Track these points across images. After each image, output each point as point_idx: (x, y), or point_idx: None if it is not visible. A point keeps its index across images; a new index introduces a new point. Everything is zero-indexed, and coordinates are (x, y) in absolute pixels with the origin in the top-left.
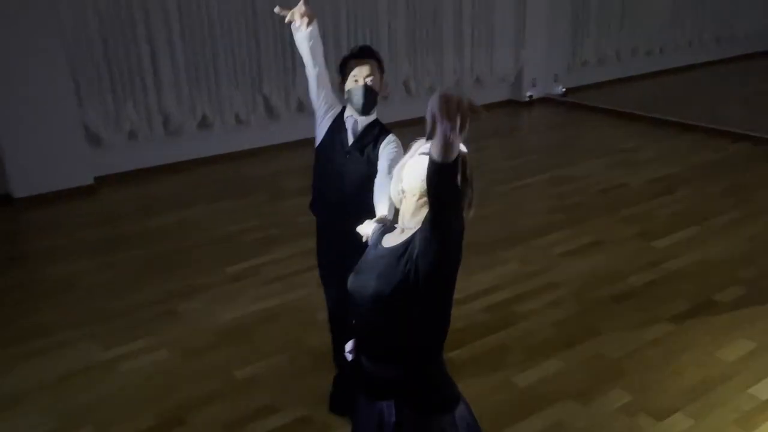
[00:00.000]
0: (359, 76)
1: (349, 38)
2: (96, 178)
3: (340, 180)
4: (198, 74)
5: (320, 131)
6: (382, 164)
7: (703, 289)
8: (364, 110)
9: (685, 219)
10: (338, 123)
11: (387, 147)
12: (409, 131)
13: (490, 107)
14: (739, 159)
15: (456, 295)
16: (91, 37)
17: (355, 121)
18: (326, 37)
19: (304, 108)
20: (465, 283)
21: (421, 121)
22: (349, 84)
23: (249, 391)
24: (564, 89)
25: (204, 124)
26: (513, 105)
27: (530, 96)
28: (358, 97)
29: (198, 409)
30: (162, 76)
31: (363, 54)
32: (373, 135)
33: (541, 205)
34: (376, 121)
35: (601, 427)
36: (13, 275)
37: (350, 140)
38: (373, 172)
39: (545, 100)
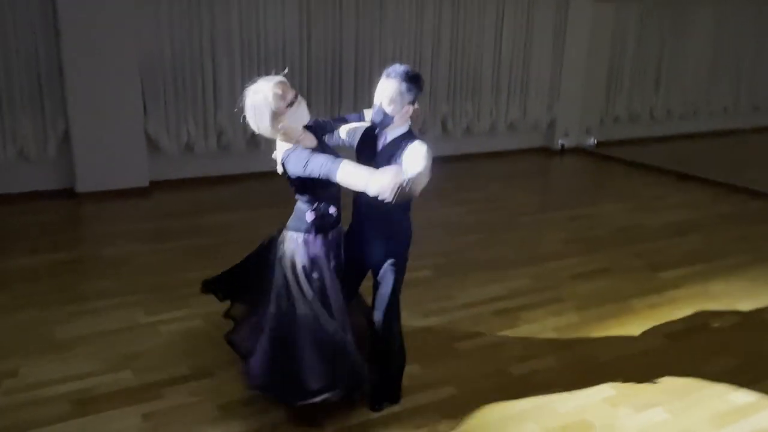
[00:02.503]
0: (379, 96)
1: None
2: (151, 182)
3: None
4: None
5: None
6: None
7: (700, 315)
8: (379, 127)
9: (693, 257)
10: (368, 135)
11: (413, 151)
12: (444, 167)
13: (522, 153)
14: (755, 213)
15: (466, 300)
16: (163, 56)
17: (384, 133)
18: (372, 75)
19: None
20: (477, 290)
21: (455, 159)
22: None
23: None
24: (595, 141)
25: (252, 142)
26: (545, 152)
27: (562, 145)
28: (373, 114)
29: (226, 367)
30: (220, 96)
31: (389, 74)
32: (399, 145)
33: (559, 236)
34: (405, 134)
35: (584, 411)
36: (77, 251)
37: (379, 150)
38: None
39: (576, 150)
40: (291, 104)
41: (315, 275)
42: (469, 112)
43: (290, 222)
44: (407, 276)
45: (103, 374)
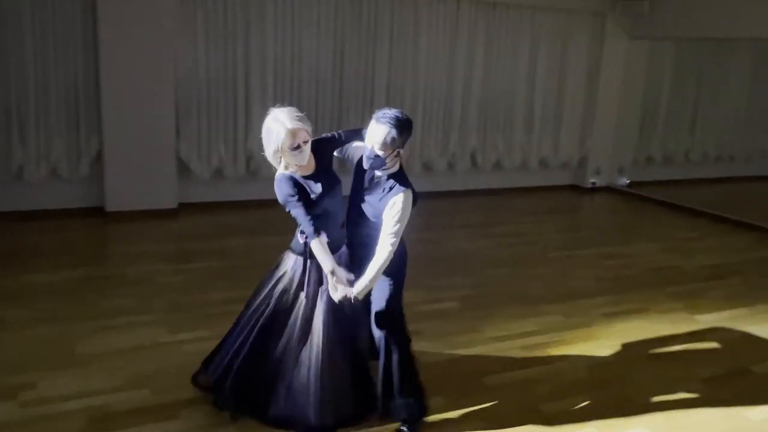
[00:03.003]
0: (370, 140)
1: (425, 107)
2: (180, 204)
3: (356, 210)
4: None
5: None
6: (385, 226)
7: (740, 360)
8: (370, 168)
9: (732, 301)
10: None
11: (392, 209)
12: (473, 200)
13: (552, 189)
14: None
15: (495, 334)
16: (198, 79)
17: (373, 173)
18: (405, 100)
19: None
20: (506, 325)
21: (484, 192)
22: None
23: None
24: (628, 181)
25: None
26: (575, 190)
27: (593, 183)
28: (364, 157)
29: None
30: (251, 121)
31: (379, 119)
32: (384, 187)
33: (590, 273)
34: (394, 174)
35: None
36: (102, 268)
37: (366, 183)
38: (377, 217)
39: (608, 189)
40: (296, 148)
41: (299, 297)
42: (500, 146)
43: (292, 242)
44: (432, 307)
45: (122, 391)
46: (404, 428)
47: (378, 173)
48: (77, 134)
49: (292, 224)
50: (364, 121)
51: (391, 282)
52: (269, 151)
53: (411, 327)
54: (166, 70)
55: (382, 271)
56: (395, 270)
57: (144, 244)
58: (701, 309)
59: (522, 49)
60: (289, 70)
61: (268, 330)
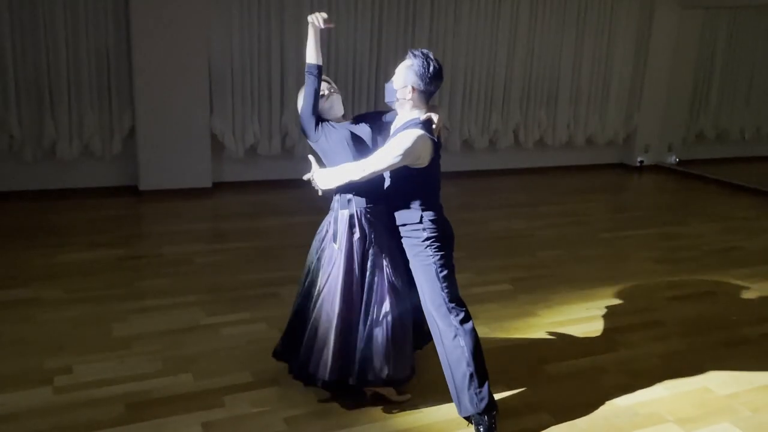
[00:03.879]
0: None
1: (465, 82)
2: (214, 183)
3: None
4: None
5: None
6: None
7: None
8: (387, 101)
9: None
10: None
11: (393, 139)
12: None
13: (598, 168)
14: None
15: (553, 318)
16: (233, 56)
17: (394, 118)
18: (446, 82)
19: None
20: (563, 309)
21: (526, 171)
22: None
23: None
24: (677, 159)
25: None
26: (623, 168)
27: (641, 162)
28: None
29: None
30: (287, 98)
31: (408, 54)
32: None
33: (649, 255)
34: (409, 122)
35: None
36: (137, 248)
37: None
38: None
39: (656, 167)
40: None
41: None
42: (543, 123)
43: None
44: (485, 290)
45: (162, 376)
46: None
47: (399, 124)
48: (109, 111)
49: (328, 203)
50: None
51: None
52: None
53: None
54: (199, 44)
55: (338, 179)
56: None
57: (178, 224)
58: None
59: (568, 20)
60: (325, 47)
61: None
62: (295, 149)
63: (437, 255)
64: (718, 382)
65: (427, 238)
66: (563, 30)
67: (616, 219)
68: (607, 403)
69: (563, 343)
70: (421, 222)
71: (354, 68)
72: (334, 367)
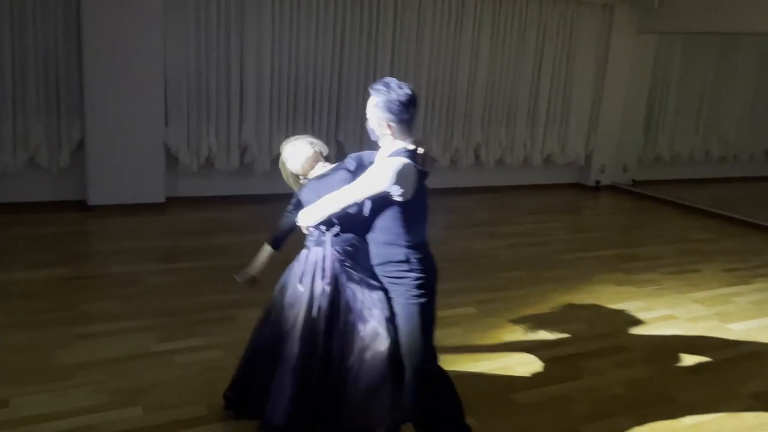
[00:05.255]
0: None
1: (428, 102)
2: (168, 198)
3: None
4: (279, 114)
5: None
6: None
7: None
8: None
9: (762, 309)
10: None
11: (375, 165)
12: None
13: (555, 187)
14: None
15: (519, 344)
16: (189, 66)
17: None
18: None
19: None
20: (529, 334)
21: (486, 189)
22: None
23: None
24: (632, 180)
25: (277, 161)
26: (580, 188)
27: (598, 182)
28: None
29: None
30: (247, 111)
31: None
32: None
33: (609, 277)
34: (396, 152)
35: None
36: (84, 267)
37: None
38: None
39: (613, 188)
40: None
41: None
42: (503, 142)
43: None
44: (449, 313)
45: (109, 410)
46: None
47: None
48: (57, 121)
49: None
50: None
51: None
52: (287, 173)
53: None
54: (154, 53)
55: (320, 211)
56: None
57: (129, 241)
58: (731, 317)
59: (528, 41)
60: (286, 59)
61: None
62: (255, 164)
63: (421, 298)
64: (685, 412)
65: (414, 278)
66: (524, 51)
67: (576, 240)
68: None
69: (530, 369)
70: (407, 261)
71: (315, 84)
72: (292, 411)
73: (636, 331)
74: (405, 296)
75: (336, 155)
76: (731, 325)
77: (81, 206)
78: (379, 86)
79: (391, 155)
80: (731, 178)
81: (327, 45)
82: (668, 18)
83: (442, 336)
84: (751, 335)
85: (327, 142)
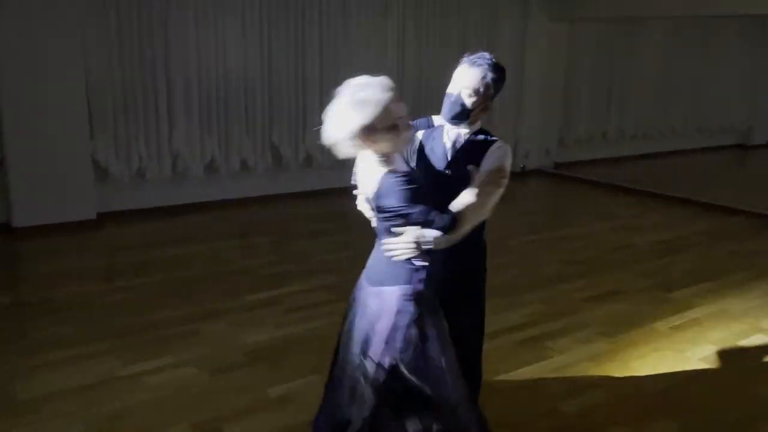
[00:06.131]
0: (458, 85)
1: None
2: (99, 214)
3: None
4: (210, 117)
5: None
6: (485, 165)
7: (727, 336)
8: (453, 120)
9: (698, 276)
10: (427, 139)
11: (492, 157)
12: None
13: None
14: (737, 229)
15: (487, 329)
16: (113, 75)
17: (455, 134)
18: None
19: (312, 162)
20: (494, 318)
21: None
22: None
23: (286, 408)
24: (554, 162)
25: (211, 167)
26: None
27: (523, 166)
28: (445, 107)
29: (235, 421)
30: (175, 116)
31: (474, 62)
32: (480, 146)
33: (556, 258)
34: (480, 131)
35: None
36: (22, 293)
37: (449, 153)
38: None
39: (538, 172)
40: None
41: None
42: None
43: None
44: None
45: None
46: None
47: (463, 138)
48: None
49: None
50: (298, 115)
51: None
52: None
53: None
54: (74, 61)
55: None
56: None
57: (66, 262)
58: (671, 286)
59: (451, 33)
60: (213, 63)
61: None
62: (188, 172)
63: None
64: (648, 380)
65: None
66: (448, 44)
67: (516, 225)
68: (557, 413)
69: (499, 355)
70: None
71: (245, 86)
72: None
73: (590, 307)
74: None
75: (273, 158)
76: (673, 294)
77: (5, 229)
78: (488, 59)
79: (494, 140)
80: (645, 154)
81: (254, 47)
82: (579, 5)
83: None
84: (691, 302)
85: (261, 144)
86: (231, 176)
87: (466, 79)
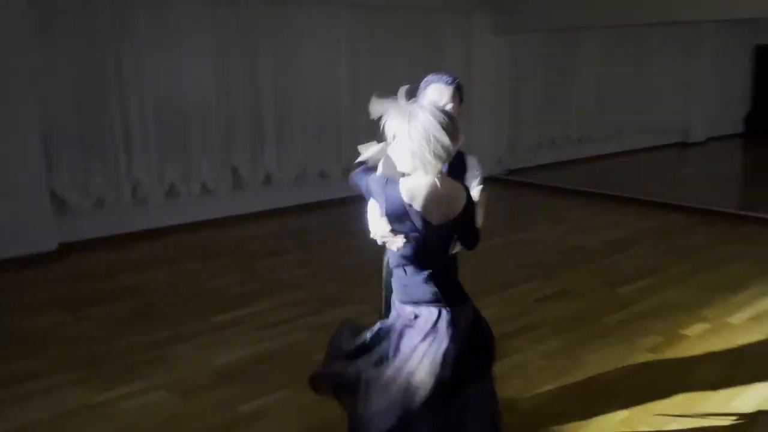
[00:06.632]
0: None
1: (315, 117)
2: (60, 244)
3: None
4: (168, 142)
5: None
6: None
7: (671, 326)
8: None
9: (642, 271)
10: None
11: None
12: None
13: None
14: (677, 226)
15: None
16: (65, 101)
17: None
18: (294, 115)
19: (271, 180)
20: None
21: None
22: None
23: (257, 425)
24: (507, 170)
25: (172, 192)
26: None
27: None
28: None
29: None
30: (132, 143)
31: (446, 82)
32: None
33: (510, 262)
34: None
35: None
36: None
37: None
38: None
39: (489, 179)
40: None
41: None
42: None
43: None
44: (376, 319)
45: None
46: None
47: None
48: None
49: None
50: (254, 136)
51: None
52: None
53: None
54: (27, 96)
55: None
56: None
57: (29, 295)
58: (618, 283)
59: (400, 51)
60: (169, 87)
61: None
62: (148, 198)
63: None
64: (599, 373)
65: None
66: (397, 61)
67: None
68: (514, 409)
69: None
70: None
71: (202, 110)
72: None
73: (541, 307)
74: None
75: (232, 179)
76: (619, 290)
77: None
78: (453, 77)
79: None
80: (592, 157)
81: (208, 70)
82: (521, 19)
83: None
84: (636, 297)
85: (221, 166)
86: (191, 200)
87: (446, 97)
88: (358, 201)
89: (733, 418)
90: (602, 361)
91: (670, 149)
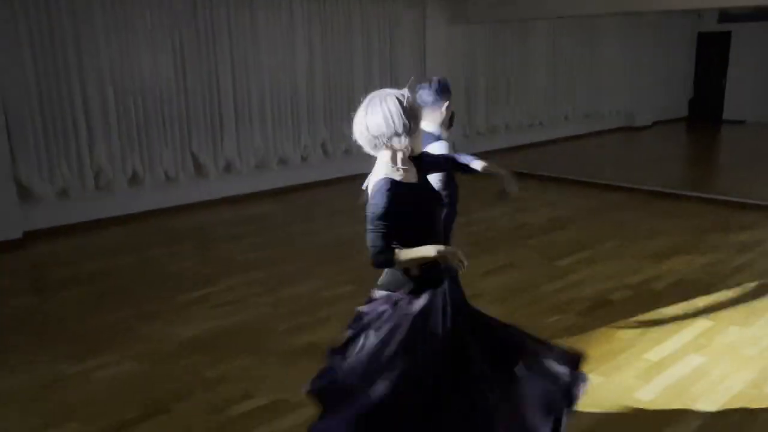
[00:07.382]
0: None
1: (273, 105)
2: (25, 233)
3: None
4: (129, 131)
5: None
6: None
7: (600, 293)
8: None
9: (578, 246)
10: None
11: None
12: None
13: None
14: (613, 204)
15: None
16: (27, 92)
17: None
18: (251, 103)
19: (231, 168)
20: None
21: (338, 180)
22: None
23: (223, 385)
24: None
25: (134, 180)
26: None
27: None
28: None
29: (178, 400)
30: (95, 132)
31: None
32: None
33: (461, 240)
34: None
35: None
36: None
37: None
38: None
39: None
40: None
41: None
42: (347, 134)
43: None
44: (333, 293)
45: (46, 428)
46: None
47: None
48: None
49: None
50: (214, 124)
51: None
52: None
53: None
54: None
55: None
56: None
57: None
58: (555, 256)
59: (355, 39)
60: (128, 76)
61: None
62: (112, 185)
63: None
64: (533, 333)
65: None
66: (352, 49)
67: None
68: None
69: None
70: None
71: (161, 97)
72: None
73: (486, 280)
74: None
75: (194, 166)
76: (557, 263)
77: None
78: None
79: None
80: (543, 141)
81: (166, 58)
82: (473, 10)
83: (331, 312)
84: (572, 268)
85: (181, 154)
86: (154, 187)
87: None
88: (318, 186)
89: (643, 367)
90: (538, 324)
91: (618, 133)
